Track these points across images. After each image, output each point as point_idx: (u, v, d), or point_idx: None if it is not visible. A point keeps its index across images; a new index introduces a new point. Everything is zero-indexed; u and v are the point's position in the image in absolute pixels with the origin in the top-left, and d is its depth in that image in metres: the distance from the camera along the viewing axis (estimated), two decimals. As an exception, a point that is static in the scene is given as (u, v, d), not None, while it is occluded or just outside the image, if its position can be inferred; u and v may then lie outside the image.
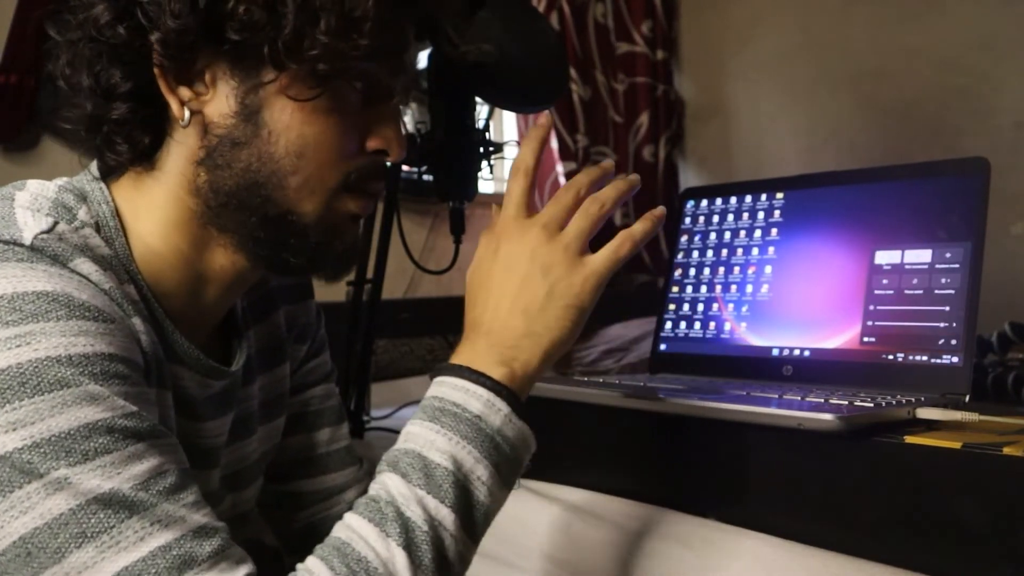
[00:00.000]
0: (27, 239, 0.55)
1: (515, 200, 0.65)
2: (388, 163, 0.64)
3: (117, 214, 0.62)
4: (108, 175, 0.64)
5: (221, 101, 0.59)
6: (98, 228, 0.61)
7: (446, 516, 0.54)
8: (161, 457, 0.52)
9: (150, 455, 0.51)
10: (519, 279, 0.62)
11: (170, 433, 0.55)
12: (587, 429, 0.85)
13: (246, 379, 0.74)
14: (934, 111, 2.22)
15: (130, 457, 0.50)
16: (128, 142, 0.62)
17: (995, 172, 0.79)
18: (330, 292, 1.26)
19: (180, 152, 0.62)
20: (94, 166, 0.64)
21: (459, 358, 0.61)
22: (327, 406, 0.85)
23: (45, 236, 0.56)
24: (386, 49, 0.59)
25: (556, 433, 0.90)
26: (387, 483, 0.56)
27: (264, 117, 0.59)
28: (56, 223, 0.58)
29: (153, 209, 0.62)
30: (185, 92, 0.60)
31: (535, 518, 0.82)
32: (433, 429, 0.57)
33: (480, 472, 0.56)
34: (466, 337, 0.63)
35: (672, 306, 1.00)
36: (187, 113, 0.60)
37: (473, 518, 0.56)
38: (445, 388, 0.59)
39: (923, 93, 2.23)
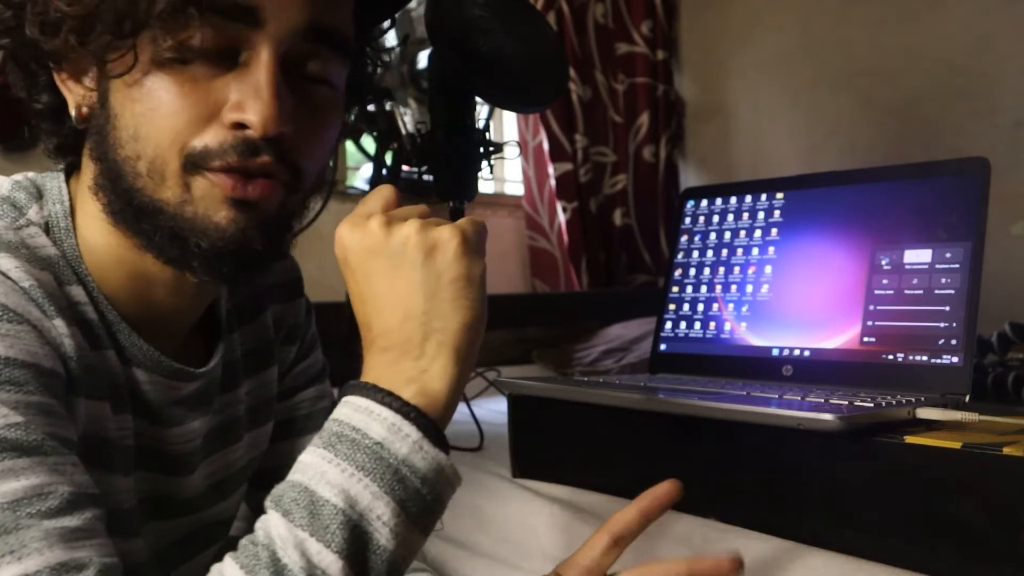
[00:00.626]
0: None
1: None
2: (264, 136, 0.54)
3: (72, 213, 0.60)
4: (69, 172, 0.63)
5: (94, 93, 0.57)
6: (48, 228, 0.59)
7: (331, 563, 0.46)
8: (47, 477, 0.47)
9: (31, 473, 0.46)
10: (384, 281, 0.53)
11: (69, 452, 0.50)
12: (587, 429, 0.85)
13: (230, 383, 0.71)
14: (934, 111, 2.21)
15: (4, 472, 0.45)
16: (53, 135, 0.61)
17: (995, 172, 0.79)
18: (330, 292, 1.25)
19: (88, 149, 0.60)
20: (63, 164, 0.63)
21: (367, 376, 0.52)
22: (319, 408, 0.83)
23: None
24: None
25: (556, 433, 0.90)
26: (268, 522, 0.48)
27: (110, 102, 0.56)
28: None
29: (89, 208, 0.60)
30: (79, 91, 0.58)
31: (535, 518, 0.82)
32: (326, 458, 0.48)
33: (380, 511, 0.47)
34: (367, 356, 0.54)
35: (672, 306, 1.00)
36: (75, 112, 0.58)
37: (369, 565, 0.47)
38: (347, 409, 0.51)
39: (923, 93, 2.23)
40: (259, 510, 0.85)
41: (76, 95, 0.58)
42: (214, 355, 0.68)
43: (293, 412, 0.81)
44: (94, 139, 0.58)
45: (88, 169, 0.59)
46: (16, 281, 0.52)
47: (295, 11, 0.54)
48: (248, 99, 0.53)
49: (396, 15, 0.69)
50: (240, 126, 0.54)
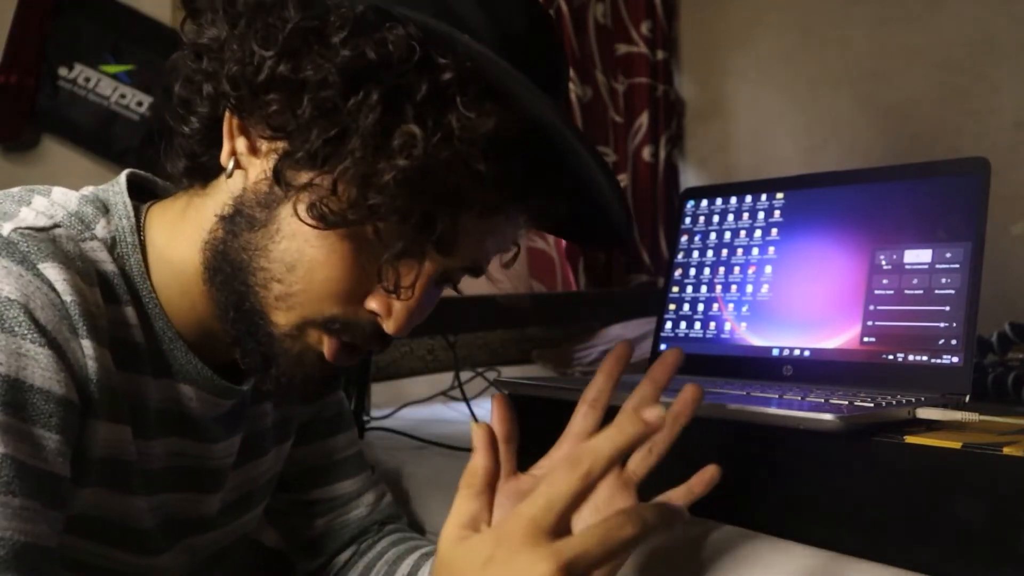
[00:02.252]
0: (6, 231, 0.52)
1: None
2: (390, 334, 0.58)
3: (139, 230, 0.61)
4: (132, 185, 0.63)
5: (262, 175, 0.56)
6: (114, 243, 0.59)
7: None
8: (3, 521, 0.46)
9: None
10: None
11: (47, 490, 0.49)
12: (587, 429, 0.85)
13: (258, 396, 0.72)
14: (934, 111, 2.21)
15: None
16: (189, 159, 0.61)
17: (995, 172, 0.79)
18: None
19: (219, 197, 0.59)
20: (122, 177, 0.63)
21: None
22: (341, 412, 0.85)
23: (27, 231, 0.53)
24: (425, 215, 0.53)
25: (556, 433, 0.90)
26: None
27: (280, 212, 0.55)
28: (56, 226, 0.55)
29: (185, 237, 0.61)
30: (242, 143, 0.57)
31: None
32: None
33: None
34: None
35: (672, 306, 1.00)
36: (231, 163, 0.58)
37: None
38: None
39: (923, 93, 2.23)
40: (283, 510, 0.86)
41: (237, 144, 0.57)
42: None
43: (319, 415, 0.83)
44: (236, 214, 0.57)
45: (207, 215, 0.59)
46: (59, 294, 0.51)
47: (476, 255, 0.58)
48: (397, 307, 0.57)
49: None
50: (375, 313, 0.57)
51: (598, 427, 0.64)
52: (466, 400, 1.28)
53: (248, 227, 0.57)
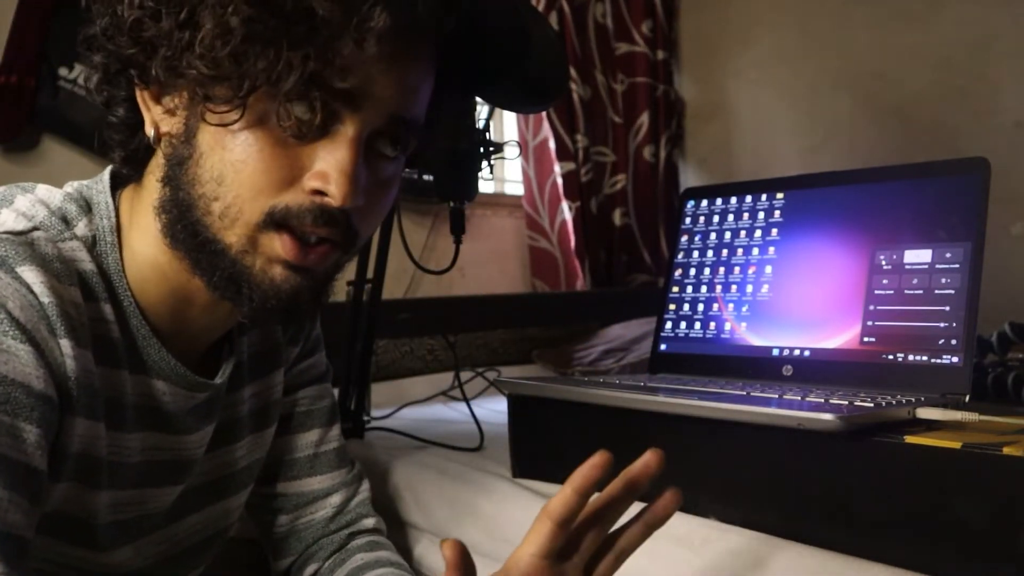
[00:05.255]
0: None
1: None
2: (338, 206, 0.57)
3: (119, 227, 0.62)
4: (118, 184, 0.64)
5: (179, 121, 0.59)
6: (94, 242, 0.60)
7: None
8: None
9: None
10: None
11: (22, 482, 0.50)
12: (587, 429, 0.85)
13: (235, 385, 0.73)
14: (934, 111, 2.21)
15: None
16: (121, 148, 0.63)
17: (995, 172, 0.79)
18: (330, 292, 1.25)
19: (156, 168, 0.61)
20: (106, 175, 0.64)
21: None
22: (318, 407, 0.84)
23: (5, 236, 0.55)
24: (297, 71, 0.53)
25: (556, 433, 0.90)
26: None
27: (198, 138, 0.57)
28: (35, 229, 0.57)
29: (143, 223, 0.62)
30: (158, 110, 0.60)
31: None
32: None
33: None
34: None
35: (672, 306, 1.01)
36: (152, 131, 0.60)
37: None
38: None
39: (923, 93, 2.23)
40: (255, 503, 0.85)
41: (155, 114, 0.60)
42: (224, 365, 0.70)
43: (292, 408, 0.82)
44: (170, 166, 0.59)
45: (152, 189, 0.61)
46: (37, 296, 0.53)
47: (388, 101, 0.57)
48: (331, 171, 0.56)
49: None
50: (319, 192, 0.57)
51: (563, 549, 0.60)
52: (466, 400, 1.28)
53: (179, 170, 0.58)
